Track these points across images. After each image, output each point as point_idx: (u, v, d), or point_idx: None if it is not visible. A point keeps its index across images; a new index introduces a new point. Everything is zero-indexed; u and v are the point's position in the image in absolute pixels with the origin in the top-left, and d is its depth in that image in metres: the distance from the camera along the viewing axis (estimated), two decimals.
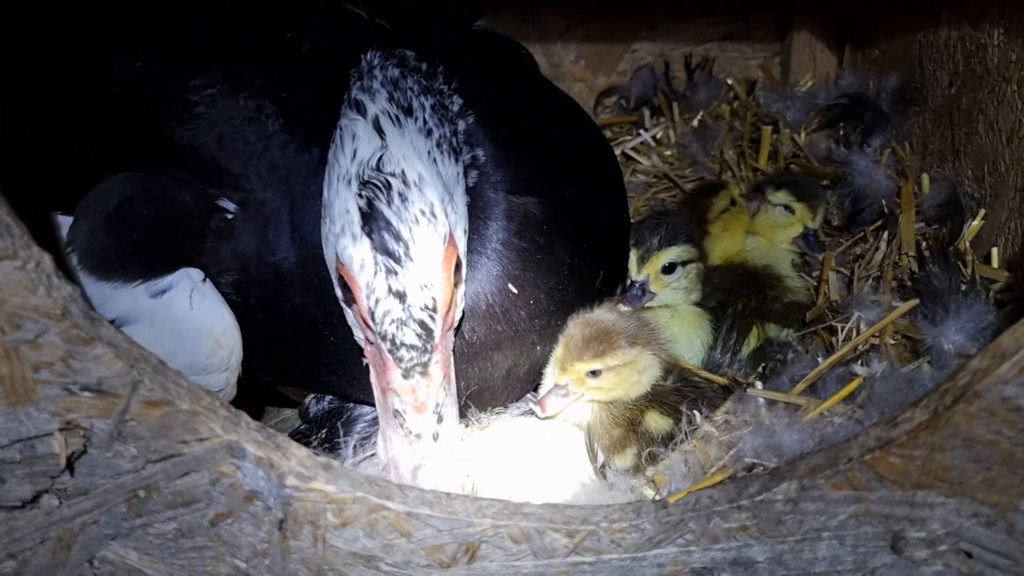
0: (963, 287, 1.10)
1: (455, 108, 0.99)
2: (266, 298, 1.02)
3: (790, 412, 0.98)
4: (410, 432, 0.88)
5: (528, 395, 1.14)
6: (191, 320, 0.97)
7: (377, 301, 0.84)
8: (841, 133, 1.57)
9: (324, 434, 1.13)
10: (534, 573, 0.84)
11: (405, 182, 0.85)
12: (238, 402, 1.00)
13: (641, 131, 1.85)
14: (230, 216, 1.00)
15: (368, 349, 0.93)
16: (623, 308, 1.19)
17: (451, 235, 0.86)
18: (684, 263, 1.26)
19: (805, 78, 1.83)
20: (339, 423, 1.14)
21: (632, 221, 1.32)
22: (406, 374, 0.86)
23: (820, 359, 1.11)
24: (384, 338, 0.85)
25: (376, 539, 0.82)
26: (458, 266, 0.90)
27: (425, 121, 0.92)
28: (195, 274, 0.99)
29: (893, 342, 1.11)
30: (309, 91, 1.04)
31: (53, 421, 0.75)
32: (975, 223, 1.23)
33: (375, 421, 1.10)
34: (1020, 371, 0.70)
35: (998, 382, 0.71)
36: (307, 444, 1.10)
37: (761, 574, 0.84)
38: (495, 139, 1.02)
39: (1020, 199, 1.16)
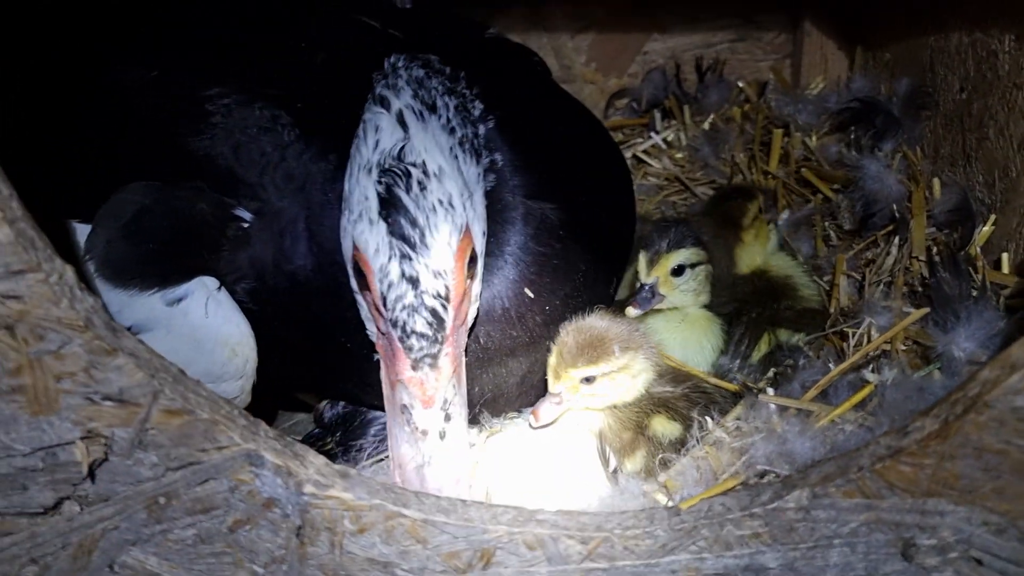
0: (974, 293, 1.09)
1: (476, 112, 1.00)
2: (282, 306, 1.02)
3: (802, 419, 0.98)
4: (416, 428, 0.88)
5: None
6: (207, 328, 0.98)
7: (390, 285, 0.84)
8: (852, 137, 1.56)
9: (339, 437, 1.14)
10: None
11: (425, 172, 0.86)
12: (252, 407, 1.02)
13: (652, 134, 1.85)
14: (246, 225, 1.01)
15: (379, 342, 0.93)
16: (632, 311, 1.19)
17: (467, 227, 0.87)
18: (693, 265, 1.25)
19: (816, 80, 1.82)
20: (353, 427, 1.14)
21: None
22: (415, 365, 0.86)
23: (831, 364, 1.11)
24: (395, 325, 0.85)
25: (392, 545, 0.83)
26: (473, 259, 0.90)
27: (449, 119, 0.92)
28: (211, 282, 1.00)
29: (904, 348, 1.11)
30: (324, 101, 1.05)
31: (75, 430, 0.76)
32: (986, 228, 1.23)
33: None
34: None
35: (1008, 392, 0.72)
36: (322, 447, 1.11)
37: None
38: (513, 144, 1.02)
39: None
